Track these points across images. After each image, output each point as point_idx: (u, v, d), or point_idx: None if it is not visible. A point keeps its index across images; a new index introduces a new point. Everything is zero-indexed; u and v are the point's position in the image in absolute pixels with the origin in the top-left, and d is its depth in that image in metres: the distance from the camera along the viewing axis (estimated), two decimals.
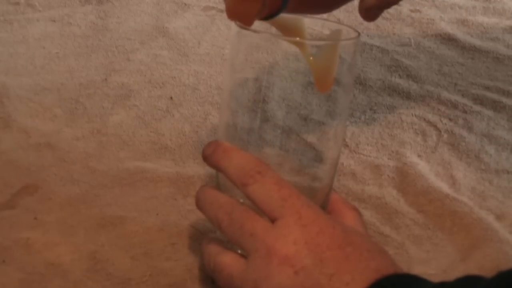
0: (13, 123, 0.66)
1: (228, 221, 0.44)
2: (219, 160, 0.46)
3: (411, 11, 0.85)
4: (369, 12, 0.59)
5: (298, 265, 0.41)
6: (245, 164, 0.45)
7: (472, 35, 0.79)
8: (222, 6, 0.89)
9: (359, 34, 0.47)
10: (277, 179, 0.44)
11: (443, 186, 0.56)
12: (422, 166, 0.59)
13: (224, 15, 0.86)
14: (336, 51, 0.47)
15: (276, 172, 0.45)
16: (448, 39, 0.78)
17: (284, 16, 0.49)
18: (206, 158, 0.47)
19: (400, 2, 0.88)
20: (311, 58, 0.48)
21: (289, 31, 0.49)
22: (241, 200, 0.45)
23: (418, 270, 0.49)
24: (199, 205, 0.47)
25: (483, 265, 0.49)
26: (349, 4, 0.63)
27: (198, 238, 0.53)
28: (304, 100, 0.52)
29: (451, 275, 0.43)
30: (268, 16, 0.49)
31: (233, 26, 0.49)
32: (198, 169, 0.60)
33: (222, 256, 0.45)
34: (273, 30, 0.51)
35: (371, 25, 0.83)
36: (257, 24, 0.49)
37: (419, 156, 0.60)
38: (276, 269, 0.41)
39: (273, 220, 0.43)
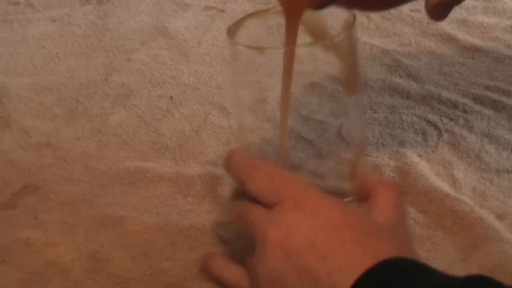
0: (13, 123, 0.66)
1: (237, 215, 0.47)
2: (226, 166, 0.49)
3: (412, 11, 0.85)
4: (437, 10, 0.56)
5: (289, 247, 0.41)
6: (241, 164, 0.47)
7: (473, 35, 0.79)
8: (222, 6, 0.89)
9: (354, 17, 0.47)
10: (270, 171, 0.45)
11: (444, 186, 0.56)
12: (423, 166, 0.59)
13: (224, 15, 0.86)
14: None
15: (271, 164, 0.46)
16: (448, 39, 0.78)
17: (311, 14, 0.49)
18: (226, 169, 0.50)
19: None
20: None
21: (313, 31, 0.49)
22: None
23: None
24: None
25: (484, 264, 0.49)
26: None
27: (198, 238, 0.53)
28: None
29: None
30: (318, 6, 0.48)
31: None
32: (199, 169, 0.60)
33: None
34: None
35: (371, 25, 0.83)
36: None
37: (419, 155, 0.60)
38: (268, 253, 0.42)
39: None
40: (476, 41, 0.78)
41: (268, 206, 0.44)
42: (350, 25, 0.47)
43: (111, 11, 0.87)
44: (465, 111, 0.66)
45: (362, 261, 0.39)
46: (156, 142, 0.63)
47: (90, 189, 0.57)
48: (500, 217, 0.53)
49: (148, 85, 0.72)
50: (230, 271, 0.46)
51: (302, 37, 0.49)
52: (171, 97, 0.70)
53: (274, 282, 0.42)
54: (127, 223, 0.54)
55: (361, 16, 0.82)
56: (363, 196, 0.47)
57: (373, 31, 0.81)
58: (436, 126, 0.64)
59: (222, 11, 0.87)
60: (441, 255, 0.50)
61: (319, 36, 0.49)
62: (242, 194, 0.47)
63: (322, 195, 0.44)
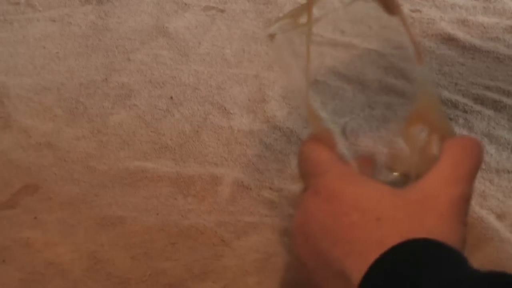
0: (13, 123, 0.66)
1: None
2: None
3: (412, 11, 0.85)
4: None
5: (307, 233, 0.41)
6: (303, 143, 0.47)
7: (473, 35, 0.79)
8: (222, 6, 0.89)
9: None
10: (307, 155, 0.45)
11: None
12: None
13: (224, 15, 0.86)
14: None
15: (315, 146, 0.45)
16: (449, 39, 0.78)
17: None
18: None
19: (401, 2, 0.88)
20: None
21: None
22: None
23: None
24: None
25: (484, 264, 0.49)
26: None
27: (198, 238, 0.53)
28: None
29: None
30: None
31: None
32: (199, 169, 0.60)
33: None
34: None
35: (374, 32, 0.83)
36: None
37: None
38: (294, 238, 0.43)
39: None
40: (476, 41, 0.78)
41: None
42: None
43: (111, 11, 0.87)
44: (465, 111, 0.66)
45: (367, 247, 0.38)
46: (156, 142, 0.63)
47: (90, 189, 0.57)
48: (500, 217, 0.53)
49: (148, 85, 0.72)
50: None
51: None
52: (171, 97, 0.70)
53: (303, 265, 0.42)
54: (127, 223, 0.54)
55: (363, 26, 0.82)
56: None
57: (372, 38, 0.82)
58: None
59: (222, 11, 0.87)
60: None
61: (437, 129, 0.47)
62: None
63: (343, 176, 0.42)
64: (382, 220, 0.39)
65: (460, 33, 0.80)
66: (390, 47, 0.78)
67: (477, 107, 0.66)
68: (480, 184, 0.57)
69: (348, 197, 0.41)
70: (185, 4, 0.89)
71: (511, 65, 0.74)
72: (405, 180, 0.46)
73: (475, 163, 0.42)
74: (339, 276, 0.38)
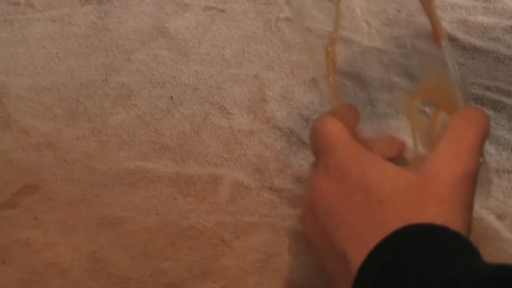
0: (13, 123, 0.66)
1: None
2: None
3: None
4: None
5: (315, 212, 0.41)
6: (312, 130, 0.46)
7: (472, 35, 0.79)
8: (222, 6, 0.89)
9: None
10: (319, 129, 0.44)
11: None
12: None
13: (224, 15, 0.86)
14: None
15: (329, 120, 0.44)
16: (449, 39, 0.78)
17: None
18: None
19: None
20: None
21: None
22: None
23: None
24: None
25: None
26: None
27: (198, 238, 0.53)
28: None
29: None
30: None
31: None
32: (199, 169, 0.60)
33: None
34: None
35: (372, 30, 0.83)
36: None
37: None
38: (304, 215, 0.42)
39: None
40: (476, 41, 0.78)
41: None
42: None
43: (111, 11, 0.87)
44: None
45: (367, 231, 0.37)
46: (156, 142, 0.63)
47: (90, 189, 0.57)
48: (500, 217, 0.53)
49: (148, 85, 0.72)
50: None
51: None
52: (171, 97, 0.70)
53: (309, 244, 0.42)
54: (127, 223, 0.54)
55: (362, 23, 0.82)
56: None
57: (373, 35, 0.82)
58: None
59: (222, 11, 0.87)
60: None
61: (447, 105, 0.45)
62: None
63: (353, 155, 0.41)
64: (385, 203, 0.38)
65: (460, 33, 0.80)
66: (392, 45, 0.78)
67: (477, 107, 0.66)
68: None
69: (354, 177, 0.39)
70: (185, 4, 0.89)
71: (511, 65, 0.74)
72: (407, 159, 0.45)
73: (480, 135, 0.40)
74: (340, 258, 0.38)
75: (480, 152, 0.39)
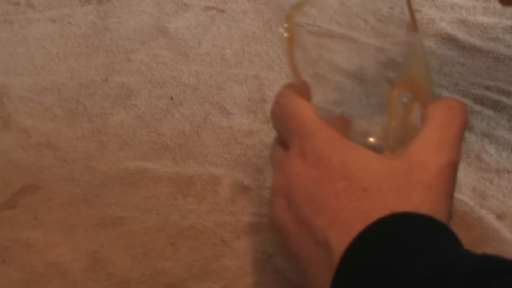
0: (13, 123, 0.66)
1: (269, 152, 0.45)
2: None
3: None
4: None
5: (290, 198, 0.39)
6: (278, 93, 0.45)
7: (473, 35, 0.79)
8: (222, 6, 0.89)
9: None
10: (290, 111, 0.42)
11: None
12: None
13: (224, 15, 0.86)
14: None
15: (296, 101, 0.43)
16: (449, 39, 0.78)
17: None
18: None
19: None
20: None
21: None
22: None
23: None
24: None
25: None
26: None
27: (198, 238, 0.53)
28: None
29: None
30: None
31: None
32: (199, 169, 0.60)
33: None
34: None
35: (368, 26, 0.83)
36: None
37: None
38: (274, 201, 0.40)
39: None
40: (476, 41, 0.78)
41: (286, 147, 0.42)
42: None
43: (111, 11, 0.87)
44: None
45: (351, 218, 0.36)
46: (156, 142, 0.63)
47: (90, 189, 0.58)
48: (500, 217, 0.53)
49: (148, 85, 0.72)
50: None
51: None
52: (171, 97, 0.70)
53: (279, 230, 0.40)
54: (127, 223, 0.54)
55: (358, 20, 0.82)
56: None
57: (369, 32, 0.82)
58: None
59: (222, 11, 0.87)
60: None
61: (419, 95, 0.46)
62: None
63: (332, 141, 0.40)
64: (369, 190, 0.37)
65: (460, 33, 0.80)
66: (389, 43, 0.78)
67: (477, 107, 0.66)
68: (480, 184, 0.57)
69: (335, 164, 0.38)
70: (185, 4, 0.89)
71: (511, 65, 0.74)
72: (380, 148, 0.45)
73: (462, 125, 0.40)
74: (321, 245, 0.37)
75: (462, 142, 0.40)
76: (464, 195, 0.55)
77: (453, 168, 0.39)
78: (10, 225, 0.54)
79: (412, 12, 0.47)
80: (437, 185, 0.37)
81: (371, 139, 0.45)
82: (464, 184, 0.57)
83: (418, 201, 0.36)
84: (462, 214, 0.53)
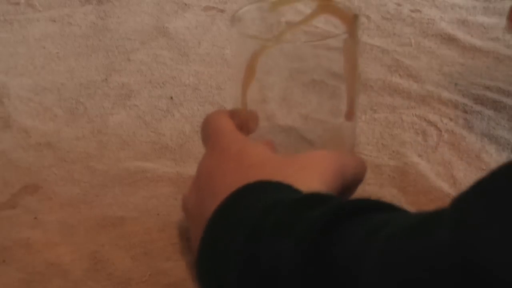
0: (13, 123, 0.66)
1: None
2: None
3: (411, 11, 0.85)
4: None
5: (197, 186, 0.46)
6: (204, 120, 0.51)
7: (473, 35, 0.79)
8: (222, 6, 0.89)
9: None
10: (210, 119, 0.50)
11: (444, 186, 0.56)
12: (423, 166, 0.59)
13: (224, 15, 0.86)
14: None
15: (218, 114, 0.51)
16: (449, 39, 0.78)
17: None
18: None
19: (400, 2, 0.88)
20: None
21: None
22: None
23: None
24: None
25: None
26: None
27: None
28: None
29: None
30: None
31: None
32: None
33: None
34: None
35: (371, 25, 0.83)
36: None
37: (419, 155, 0.60)
38: (189, 194, 0.47)
39: None
40: (476, 41, 0.78)
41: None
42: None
43: (111, 11, 0.87)
44: (465, 111, 0.66)
45: (234, 185, 0.41)
46: (156, 142, 0.63)
47: (90, 189, 0.57)
48: None
49: (148, 85, 0.72)
50: None
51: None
52: (171, 97, 0.70)
53: (187, 217, 0.48)
54: (127, 223, 0.54)
55: (360, 17, 0.82)
56: None
57: (373, 31, 0.82)
58: (436, 126, 0.64)
59: (222, 11, 0.87)
60: None
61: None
62: None
63: (237, 138, 0.47)
64: (253, 167, 0.43)
65: (460, 33, 0.80)
66: (395, 43, 0.78)
67: (477, 107, 0.66)
68: None
69: (233, 151, 0.45)
70: (185, 4, 0.89)
71: (511, 65, 0.74)
72: None
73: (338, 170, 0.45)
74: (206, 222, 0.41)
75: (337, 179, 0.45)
76: None
77: (335, 167, 0.45)
78: (10, 225, 0.54)
79: (352, 99, 0.50)
80: (312, 167, 0.43)
81: None
82: (464, 184, 0.57)
83: (289, 174, 0.42)
84: None
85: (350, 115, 0.50)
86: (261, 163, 0.44)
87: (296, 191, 0.40)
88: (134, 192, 0.57)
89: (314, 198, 0.37)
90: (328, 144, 0.52)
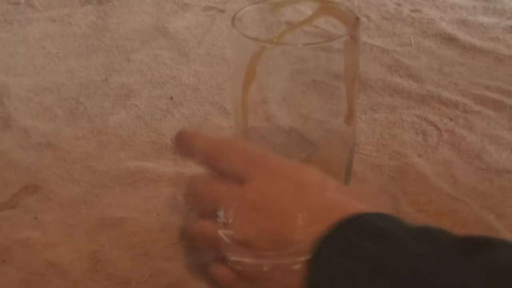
0: (13, 123, 0.66)
1: (202, 192, 0.46)
2: (186, 151, 0.48)
3: (411, 11, 0.85)
4: None
5: (259, 209, 0.43)
6: (207, 147, 0.47)
7: (473, 35, 0.79)
8: (222, 6, 0.89)
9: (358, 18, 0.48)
10: (240, 148, 0.46)
11: (444, 186, 0.56)
12: (423, 166, 0.59)
13: (224, 15, 0.86)
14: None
15: (236, 141, 0.49)
16: (449, 39, 0.78)
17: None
18: (175, 151, 0.49)
19: (400, 2, 0.88)
20: None
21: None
22: None
23: None
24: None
25: None
26: None
27: None
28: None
29: None
30: None
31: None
32: (199, 169, 0.60)
33: None
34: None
35: (371, 25, 0.83)
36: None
37: (419, 155, 0.60)
38: (244, 218, 0.44)
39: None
40: (476, 41, 0.78)
41: (240, 181, 0.44)
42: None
43: (111, 11, 0.87)
44: (465, 111, 0.66)
45: (324, 217, 0.40)
46: (156, 142, 0.63)
47: (90, 189, 0.57)
48: (500, 217, 0.53)
49: (148, 85, 0.72)
50: None
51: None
52: (171, 97, 0.70)
53: (248, 244, 0.43)
54: (127, 223, 0.54)
55: (360, 16, 0.82)
56: None
57: (373, 31, 0.82)
58: (436, 126, 0.64)
59: (222, 11, 0.87)
60: None
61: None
62: (203, 176, 0.47)
63: (284, 161, 0.46)
64: (315, 186, 0.44)
65: (460, 33, 0.80)
66: (395, 43, 0.78)
67: (477, 107, 0.66)
68: (480, 184, 0.57)
69: (286, 171, 0.45)
70: (185, 4, 0.89)
71: (511, 65, 0.74)
72: None
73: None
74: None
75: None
76: (464, 195, 0.55)
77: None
78: (10, 225, 0.54)
79: (353, 105, 0.50)
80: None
81: None
82: (464, 184, 0.57)
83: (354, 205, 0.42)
84: (462, 214, 0.53)
85: (349, 119, 0.50)
86: (322, 182, 0.44)
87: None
88: (134, 192, 0.57)
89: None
90: (328, 144, 0.52)
